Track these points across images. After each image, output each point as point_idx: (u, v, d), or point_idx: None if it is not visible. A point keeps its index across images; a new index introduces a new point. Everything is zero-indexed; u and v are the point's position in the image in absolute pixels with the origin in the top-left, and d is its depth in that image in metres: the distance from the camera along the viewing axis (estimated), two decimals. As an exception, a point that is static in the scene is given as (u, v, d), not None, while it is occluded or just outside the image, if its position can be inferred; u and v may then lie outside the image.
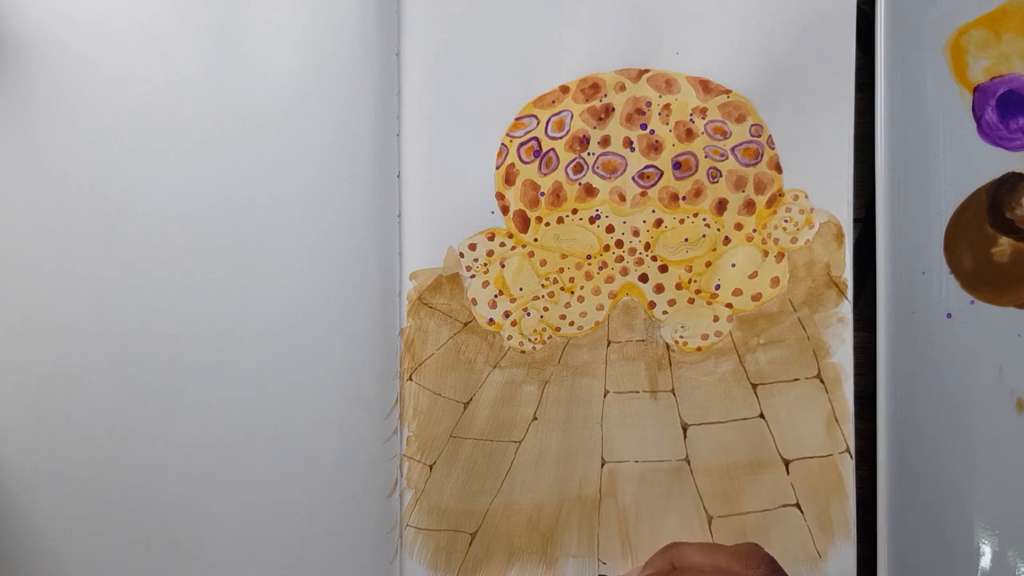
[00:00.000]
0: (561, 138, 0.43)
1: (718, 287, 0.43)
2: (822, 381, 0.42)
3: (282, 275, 0.41)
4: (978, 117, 0.41)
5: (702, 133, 0.42)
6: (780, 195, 0.43)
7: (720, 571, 0.36)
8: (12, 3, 0.40)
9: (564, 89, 0.43)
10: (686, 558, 0.38)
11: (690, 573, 0.36)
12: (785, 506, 0.43)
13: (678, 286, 0.43)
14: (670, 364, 0.43)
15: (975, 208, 0.41)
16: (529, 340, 0.43)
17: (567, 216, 0.43)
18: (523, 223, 0.43)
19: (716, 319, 0.43)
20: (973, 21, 0.41)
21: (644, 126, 0.43)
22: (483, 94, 0.43)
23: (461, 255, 0.43)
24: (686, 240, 0.43)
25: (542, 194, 0.43)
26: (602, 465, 0.43)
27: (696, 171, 0.43)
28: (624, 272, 0.43)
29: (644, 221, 0.43)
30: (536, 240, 0.43)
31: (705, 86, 0.42)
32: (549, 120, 0.43)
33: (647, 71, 0.43)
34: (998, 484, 0.41)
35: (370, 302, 0.42)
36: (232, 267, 0.41)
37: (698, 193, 0.43)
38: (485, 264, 0.43)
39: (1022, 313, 0.41)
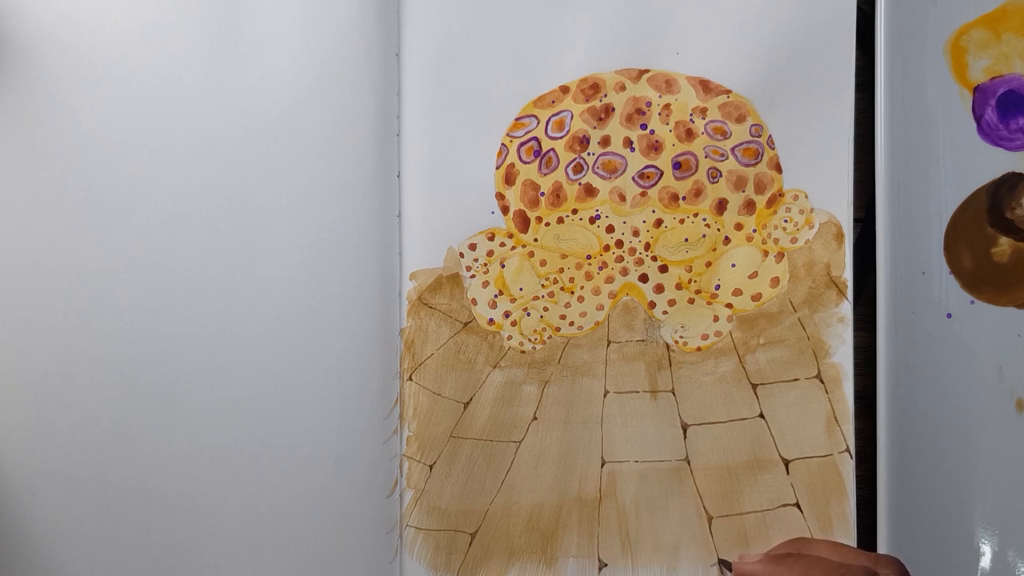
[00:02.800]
0: (561, 138, 0.43)
1: (718, 287, 0.43)
2: (822, 381, 0.42)
3: (282, 275, 0.41)
4: (978, 117, 0.41)
5: (702, 133, 0.42)
6: (780, 195, 0.43)
7: (846, 568, 0.35)
8: (12, 3, 0.40)
9: (564, 89, 0.43)
10: (812, 548, 0.38)
11: (810, 558, 0.36)
12: (785, 506, 0.43)
13: (678, 286, 0.43)
14: (670, 364, 0.43)
15: (975, 208, 0.41)
16: (529, 340, 0.43)
17: (567, 216, 0.43)
18: (523, 223, 0.43)
19: (716, 319, 0.43)
20: (973, 21, 0.41)
21: (644, 126, 0.43)
22: (483, 94, 0.43)
23: (461, 255, 0.43)
24: (686, 240, 0.43)
25: (542, 194, 0.43)
26: (602, 465, 0.43)
27: (696, 171, 0.43)
28: (624, 272, 0.43)
29: (644, 221, 0.43)
30: (536, 240, 0.43)
31: (705, 86, 0.42)
32: (549, 120, 0.43)
33: (647, 71, 0.43)
34: (998, 484, 0.41)
35: (370, 302, 0.42)
36: (232, 267, 0.41)
37: (698, 193, 0.43)
38: (485, 264, 0.43)
39: (1022, 313, 0.41)
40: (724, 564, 0.42)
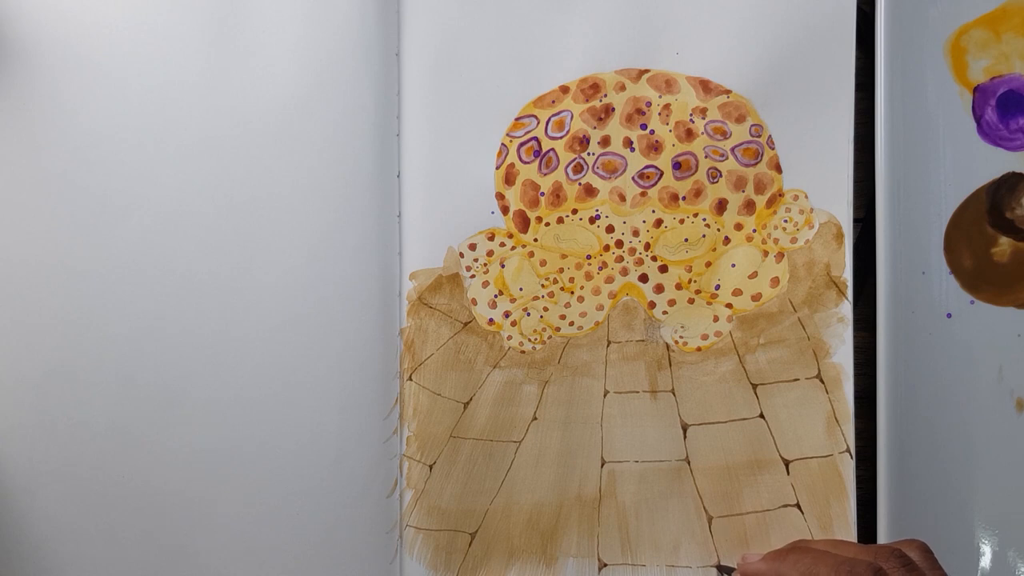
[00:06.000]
0: (561, 138, 0.43)
1: (718, 287, 0.43)
2: (822, 381, 0.42)
3: (282, 275, 0.41)
4: (978, 117, 0.41)
5: (702, 133, 0.42)
6: (780, 195, 0.43)
7: (851, 562, 0.33)
8: (12, 3, 0.40)
9: (564, 89, 0.43)
10: (815, 547, 0.37)
11: (816, 552, 0.35)
12: (785, 506, 0.43)
13: (678, 286, 0.43)
14: (670, 364, 0.43)
15: (975, 208, 0.41)
16: (529, 340, 0.43)
17: (567, 216, 0.43)
18: (523, 223, 0.43)
19: (716, 319, 0.43)
20: (973, 21, 0.41)
21: (644, 126, 0.43)
22: (483, 94, 0.43)
23: (461, 255, 0.43)
24: (686, 240, 0.43)
25: (542, 194, 0.43)
26: (602, 465, 0.43)
27: (696, 171, 0.43)
28: (624, 272, 0.43)
29: (644, 221, 0.43)
30: (536, 240, 0.43)
31: (705, 86, 0.42)
32: (549, 120, 0.43)
33: (647, 71, 0.43)
34: (998, 484, 0.41)
35: (370, 302, 0.42)
36: (232, 267, 0.41)
37: (698, 193, 0.43)
38: (485, 264, 0.43)
39: (1022, 313, 0.41)
40: (725, 570, 0.42)
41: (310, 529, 0.42)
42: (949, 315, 0.41)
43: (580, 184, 0.43)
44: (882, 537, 0.41)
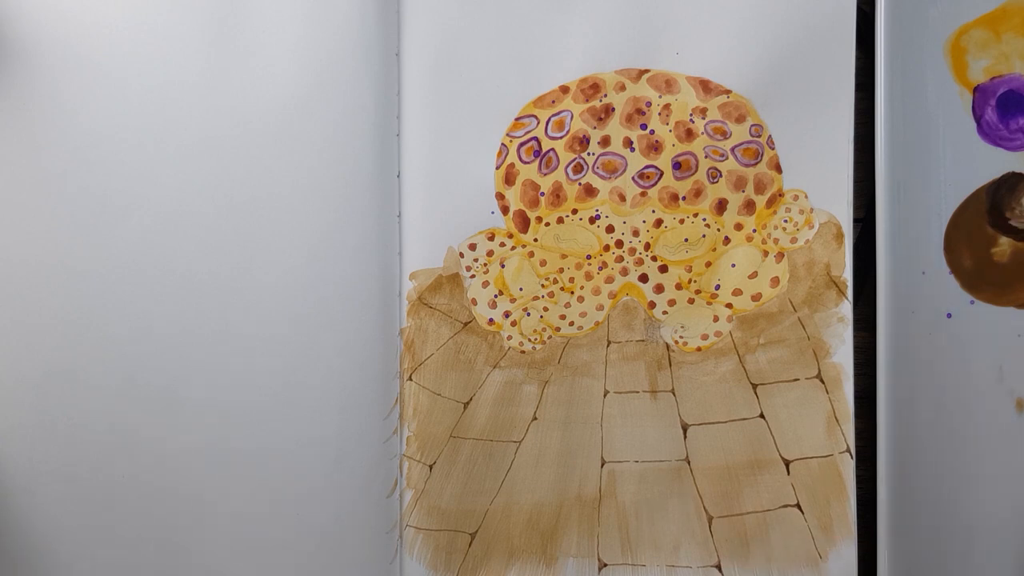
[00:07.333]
0: (561, 138, 0.43)
1: (718, 287, 0.43)
2: (822, 381, 0.42)
3: (282, 275, 0.41)
4: (978, 117, 0.41)
5: (702, 133, 0.42)
6: (780, 195, 0.43)
7: None
8: (12, 3, 0.40)
9: (564, 89, 0.43)
10: None
11: None
12: (785, 506, 0.43)
13: (678, 286, 0.43)
14: (670, 364, 0.43)
15: (975, 208, 0.41)
16: (529, 340, 0.43)
17: (567, 216, 0.43)
18: (523, 223, 0.43)
19: (716, 319, 0.43)
20: (973, 21, 0.41)
21: (644, 126, 0.43)
22: (483, 94, 0.43)
23: (461, 255, 0.43)
24: (686, 240, 0.43)
25: (542, 194, 0.43)
26: (602, 465, 0.43)
27: (696, 171, 0.43)
28: (624, 272, 0.43)
29: (644, 221, 0.43)
30: (536, 240, 0.43)
31: (705, 86, 0.42)
32: (549, 120, 0.43)
33: (647, 71, 0.43)
34: (998, 484, 0.41)
35: (370, 302, 0.42)
36: (232, 267, 0.41)
37: (698, 193, 0.43)
38: (485, 264, 0.43)
39: (1022, 313, 0.41)
40: None
41: (310, 529, 0.42)
42: (949, 315, 0.41)
43: (580, 184, 0.43)
44: (882, 537, 0.41)
